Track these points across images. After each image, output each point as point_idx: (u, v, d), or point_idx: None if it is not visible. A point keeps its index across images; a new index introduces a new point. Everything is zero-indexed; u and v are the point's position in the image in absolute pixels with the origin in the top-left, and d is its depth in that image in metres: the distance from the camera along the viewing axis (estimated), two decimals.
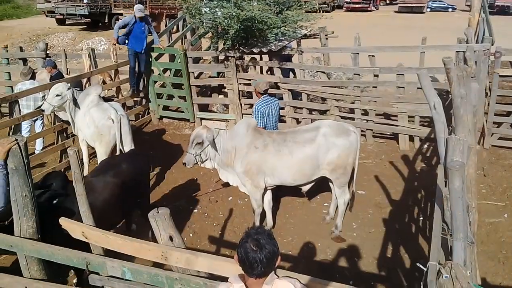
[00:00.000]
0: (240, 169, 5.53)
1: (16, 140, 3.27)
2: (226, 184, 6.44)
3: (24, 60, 10.74)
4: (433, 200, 6.13)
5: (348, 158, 5.47)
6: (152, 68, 9.79)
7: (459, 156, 2.84)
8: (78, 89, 7.11)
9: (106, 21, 26.97)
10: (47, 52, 10.40)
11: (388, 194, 6.79)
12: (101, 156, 6.64)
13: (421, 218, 6.10)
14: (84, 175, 4.53)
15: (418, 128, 8.28)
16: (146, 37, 9.17)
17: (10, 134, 7.91)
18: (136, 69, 9.34)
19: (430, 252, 2.78)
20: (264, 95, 6.31)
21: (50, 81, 8.09)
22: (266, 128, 6.16)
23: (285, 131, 5.85)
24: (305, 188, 5.85)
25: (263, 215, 5.89)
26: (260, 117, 6.13)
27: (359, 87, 8.53)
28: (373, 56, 8.55)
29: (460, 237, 2.52)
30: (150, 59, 9.67)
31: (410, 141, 8.41)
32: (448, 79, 3.58)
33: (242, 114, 9.30)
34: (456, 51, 8.31)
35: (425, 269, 2.40)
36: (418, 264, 2.50)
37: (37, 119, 8.12)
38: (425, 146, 8.35)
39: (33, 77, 8.23)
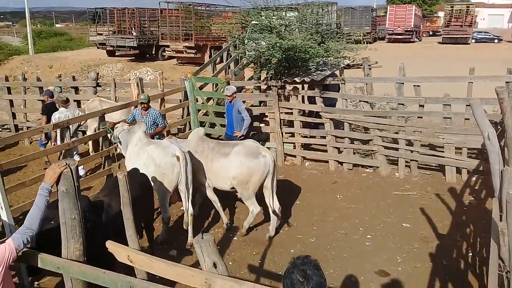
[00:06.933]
0: None
1: (67, 164, 3.37)
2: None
3: (76, 89, 11.30)
4: (483, 235, 5.87)
5: (251, 177, 6.24)
6: (196, 96, 10.03)
7: None
8: (126, 128, 6.96)
9: (154, 52, 28.03)
10: (98, 81, 10.90)
11: (435, 228, 6.53)
12: (162, 199, 6.14)
13: (470, 254, 5.80)
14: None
15: (466, 160, 8.01)
16: (239, 121, 8.16)
17: (60, 158, 8.23)
18: None
19: None
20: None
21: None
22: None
23: (221, 143, 7.09)
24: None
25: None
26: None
27: (403, 117, 8.38)
28: (418, 86, 8.42)
29: None
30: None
31: (458, 174, 8.13)
32: (501, 109, 3.46)
33: (283, 142, 9.31)
34: (506, 82, 8.05)
35: None
36: None
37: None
38: (474, 179, 8.03)
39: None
